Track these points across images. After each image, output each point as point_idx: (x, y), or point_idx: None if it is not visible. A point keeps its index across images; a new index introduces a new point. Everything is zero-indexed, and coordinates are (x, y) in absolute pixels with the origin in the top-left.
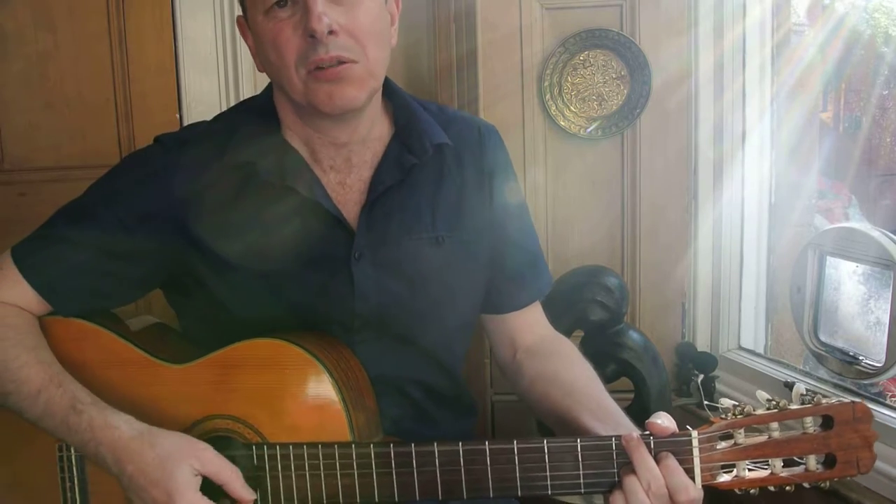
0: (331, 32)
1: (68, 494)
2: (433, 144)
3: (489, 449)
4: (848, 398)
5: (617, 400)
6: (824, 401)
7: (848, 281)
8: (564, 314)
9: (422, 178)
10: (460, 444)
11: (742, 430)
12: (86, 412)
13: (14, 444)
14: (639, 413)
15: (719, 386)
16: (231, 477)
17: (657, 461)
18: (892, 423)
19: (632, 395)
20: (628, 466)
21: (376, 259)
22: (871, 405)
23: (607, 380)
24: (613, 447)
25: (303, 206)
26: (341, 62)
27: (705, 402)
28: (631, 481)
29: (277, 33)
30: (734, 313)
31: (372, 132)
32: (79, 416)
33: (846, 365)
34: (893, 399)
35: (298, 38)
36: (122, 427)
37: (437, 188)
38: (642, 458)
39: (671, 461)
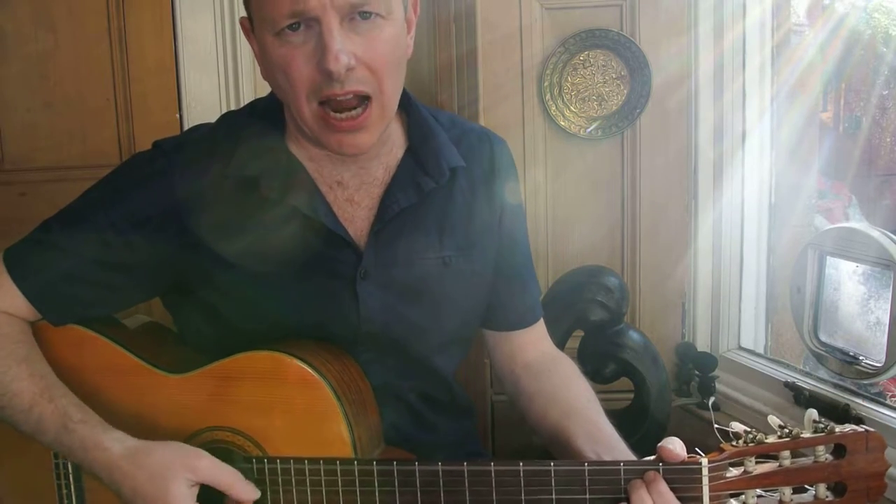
0: (348, 70)
1: (65, 501)
2: (450, 168)
3: (494, 470)
4: (862, 427)
5: (617, 400)
6: (837, 429)
7: (848, 281)
8: (564, 314)
9: (432, 198)
10: (465, 464)
11: (753, 458)
12: (77, 431)
13: (11, 449)
14: (639, 413)
15: (719, 386)
16: (230, 482)
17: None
18: (892, 423)
19: (632, 395)
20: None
21: (382, 279)
22: (870, 405)
23: (607, 380)
24: (622, 472)
25: (305, 222)
26: (358, 96)
27: (716, 426)
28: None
29: (289, 61)
30: (734, 313)
31: (384, 147)
32: (70, 435)
33: (846, 365)
34: (893, 399)
35: (311, 70)
36: (114, 448)
37: (446, 208)
38: (642, 497)
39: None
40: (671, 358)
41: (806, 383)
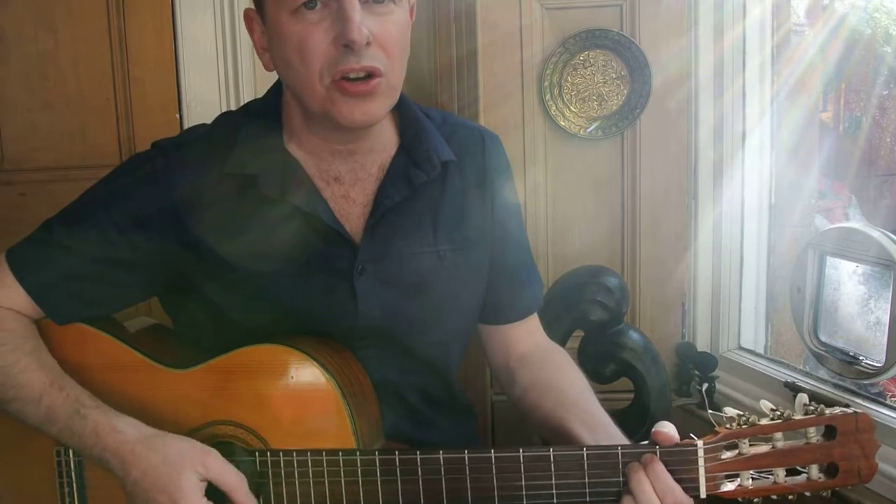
0: (366, 44)
1: (66, 500)
2: (441, 161)
3: (495, 457)
4: (850, 409)
5: (617, 400)
6: (828, 411)
7: (848, 281)
8: (564, 314)
9: (425, 193)
10: (466, 451)
11: (746, 440)
12: (90, 416)
13: (12, 447)
14: (639, 413)
15: (719, 386)
16: (235, 484)
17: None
18: (892, 423)
19: (632, 395)
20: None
21: (379, 273)
22: (870, 405)
23: (607, 380)
24: (619, 456)
25: (303, 219)
26: (370, 74)
27: (710, 412)
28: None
29: (305, 37)
30: (734, 313)
31: (379, 142)
32: (83, 420)
33: (846, 365)
34: (893, 399)
35: (328, 45)
36: (128, 431)
37: (439, 202)
38: (640, 480)
39: (658, 466)
40: (671, 358)
41: (806, 383)
